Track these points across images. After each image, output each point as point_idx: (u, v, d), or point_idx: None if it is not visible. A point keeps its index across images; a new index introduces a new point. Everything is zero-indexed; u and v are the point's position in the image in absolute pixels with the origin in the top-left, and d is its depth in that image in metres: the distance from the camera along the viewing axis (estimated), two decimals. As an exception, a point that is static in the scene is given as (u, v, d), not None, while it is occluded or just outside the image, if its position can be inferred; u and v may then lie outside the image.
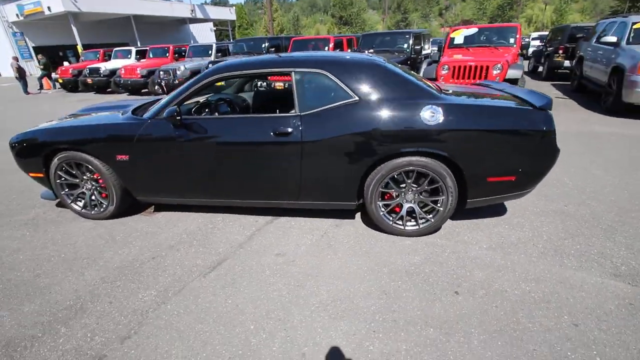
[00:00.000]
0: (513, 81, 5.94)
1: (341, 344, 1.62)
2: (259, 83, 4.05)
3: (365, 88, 2.28)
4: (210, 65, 9.43)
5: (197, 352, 1.60)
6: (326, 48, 8.89)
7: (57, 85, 14.53)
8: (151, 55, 12.66)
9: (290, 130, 2.32)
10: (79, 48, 20.34)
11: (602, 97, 6.49)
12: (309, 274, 2.14)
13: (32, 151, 2.80)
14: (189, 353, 1.60)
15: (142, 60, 12.83)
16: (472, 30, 7.07)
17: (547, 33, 15.49)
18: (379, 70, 2.36)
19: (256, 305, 1.89)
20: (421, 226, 2.46)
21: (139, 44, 23.34)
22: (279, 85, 5.03)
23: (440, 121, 2.17)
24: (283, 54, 2.68)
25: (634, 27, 6.39)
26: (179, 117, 2.36)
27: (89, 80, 12.29)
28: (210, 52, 10.93)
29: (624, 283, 1.96)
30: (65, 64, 16.78)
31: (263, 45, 9.88)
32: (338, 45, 9.17)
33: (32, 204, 3.36)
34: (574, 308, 1.79)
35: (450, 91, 2.60)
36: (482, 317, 1.75)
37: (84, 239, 2.65)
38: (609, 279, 2.00)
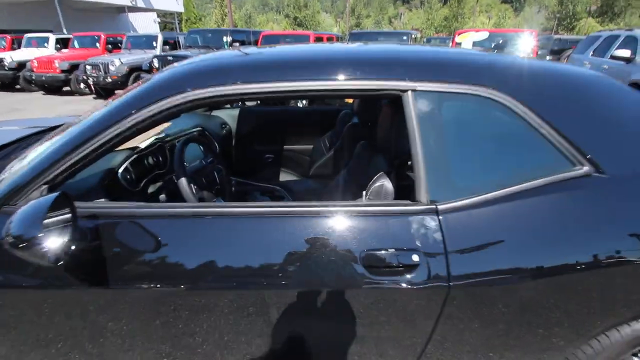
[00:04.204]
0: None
1: None
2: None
3: (609, 143, 0.88)
4: (155, 61, 7.33)
5: None
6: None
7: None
8: (76, 45, 10.06)
9: (414, 255, 0.83)
10: (-17, 34, 16.35)
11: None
12: None
13: None
14: None
15: (63, 50, 10.17)
16: (483, 34, 6.11)
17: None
18: (629, 97, 0.97)
19: None
20: None
21: (65, 33, 19.64)
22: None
23: None
24: (360, 44, 1.18)
25: (648, 41, 5.92)
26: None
27: (-13, 75, 9.37)
28: (155, 43, 8.80)
29: None
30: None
31: (225, 39, 8.08)
32: (318, 44, 7.74)
33: None
34: None
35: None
36: None
37: None
38: None
